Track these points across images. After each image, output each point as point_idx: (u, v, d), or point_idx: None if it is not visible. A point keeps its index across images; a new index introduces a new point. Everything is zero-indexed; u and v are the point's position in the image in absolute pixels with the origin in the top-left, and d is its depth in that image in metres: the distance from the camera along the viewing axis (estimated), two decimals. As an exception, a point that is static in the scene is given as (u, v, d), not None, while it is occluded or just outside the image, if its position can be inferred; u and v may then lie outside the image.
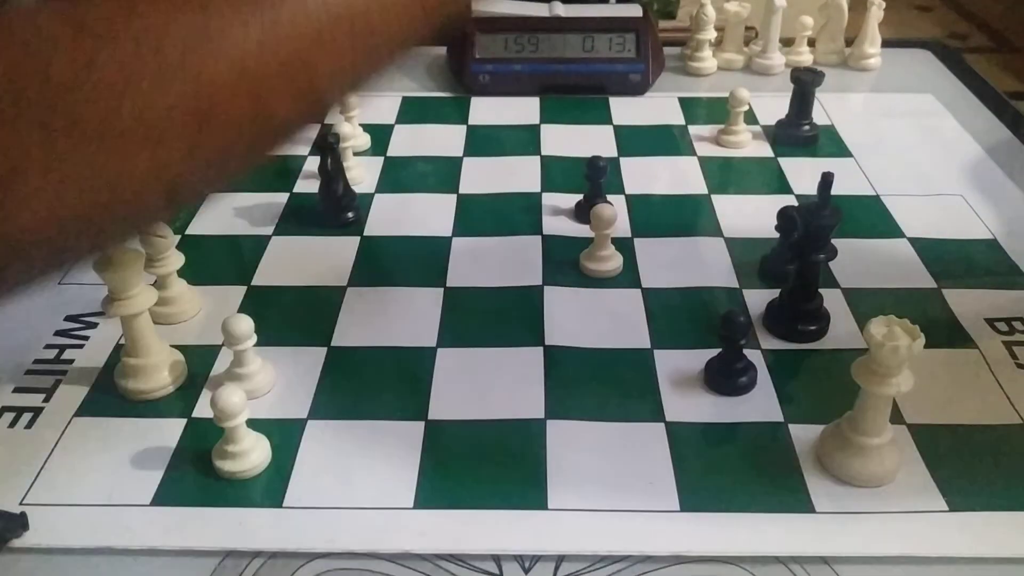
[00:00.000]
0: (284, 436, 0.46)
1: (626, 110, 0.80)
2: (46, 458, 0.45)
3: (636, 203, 0.67)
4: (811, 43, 0.89)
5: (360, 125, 0.74)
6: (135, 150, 0.29)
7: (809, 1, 0.90)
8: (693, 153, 0.74)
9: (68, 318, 0.54)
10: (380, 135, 0.76)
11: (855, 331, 0.53)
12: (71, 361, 0.51)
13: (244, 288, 0.57)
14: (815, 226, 0.51)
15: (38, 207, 0.28)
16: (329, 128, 0.66)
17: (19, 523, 0.40)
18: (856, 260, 0.60)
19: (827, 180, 0.52)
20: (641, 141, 0.75)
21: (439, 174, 0.70)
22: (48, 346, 0.52)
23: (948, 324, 0.54)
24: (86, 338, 0.53)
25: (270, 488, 0.43)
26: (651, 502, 0.42)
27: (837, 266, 0.59)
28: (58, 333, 0.53)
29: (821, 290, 0.54)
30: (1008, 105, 0.83)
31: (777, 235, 0.57)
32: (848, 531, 0.41)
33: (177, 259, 0.54)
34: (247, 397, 0.43)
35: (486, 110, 0.80)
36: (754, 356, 0.51)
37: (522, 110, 0.80)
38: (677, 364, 0.51)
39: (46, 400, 0.48)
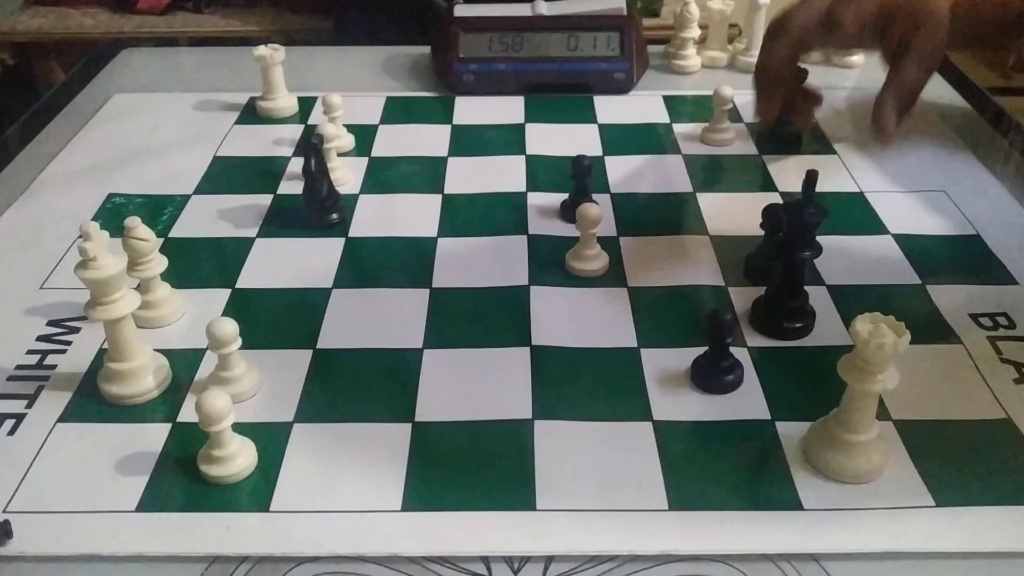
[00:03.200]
0: (270, 440, 0.45)
1: (611, 109, 0.80)
2: (29, 465, 0.44)
3: (621, 202, 0.67)
4: (794, 40, 0.90)
5: (344, 125, 0.73)
6: None
7: (792, -1, 0.91)
8: (678, 151, 0.74)
9: (50, 323, 0.54)
10: (364, 135, 0.75)
11: (841, 328, 0.53)
12: (54, 366, 0.50)
13: (228, 291, 0.57)
14: (800, 223, 0.51)
15: None
16: (313, 129, 0.65)
17: (2, 531, 0.40)
18: (841, 257, 0.60)
19: (811, 178, 0.52)
20: (626, 140, 0.75)
21: (424, 174, 0.70)
22: (30, 351, 0.51)
23: (932, 320, 0.54)
24: (69, 343, 0.52)
25: (256, 492, 0.43)
26: (639, 501, 0.42)
27: (822, 263, 0.59)
28: (40, 338, 0.52)
29: (806, 287, 0.54)
30: (989, 100, 0.83)
31: (762, 233, 0.57)
32: (836, 528, 0.41)
33: (160, 262, 0.53)
34: (232, 401, 0.43)
35: (470, 110, 0.80)
36: (740, 354, 0.51)
37: (506, 109, 0.80)
38: (664, 363, 0.51)
39: (29, 406, 0.48)
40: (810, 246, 0.52)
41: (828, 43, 0.58)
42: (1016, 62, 2.06)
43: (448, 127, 0.77)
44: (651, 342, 0.52)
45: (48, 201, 0.67)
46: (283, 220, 0.64)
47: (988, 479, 0.44)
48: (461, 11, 0.83)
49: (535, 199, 0.67)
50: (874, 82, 0.71)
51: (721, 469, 0.44)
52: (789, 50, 0.54)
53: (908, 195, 0.67)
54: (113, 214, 0.65)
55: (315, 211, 0.63)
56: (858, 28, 0.57)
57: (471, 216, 0.65)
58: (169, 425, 0.47)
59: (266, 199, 0.67)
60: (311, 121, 0.78)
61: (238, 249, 0.61)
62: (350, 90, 0.81)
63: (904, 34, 0.59)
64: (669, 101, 0.82)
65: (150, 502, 0.42)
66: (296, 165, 0.70)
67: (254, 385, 0.48)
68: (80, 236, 0.46)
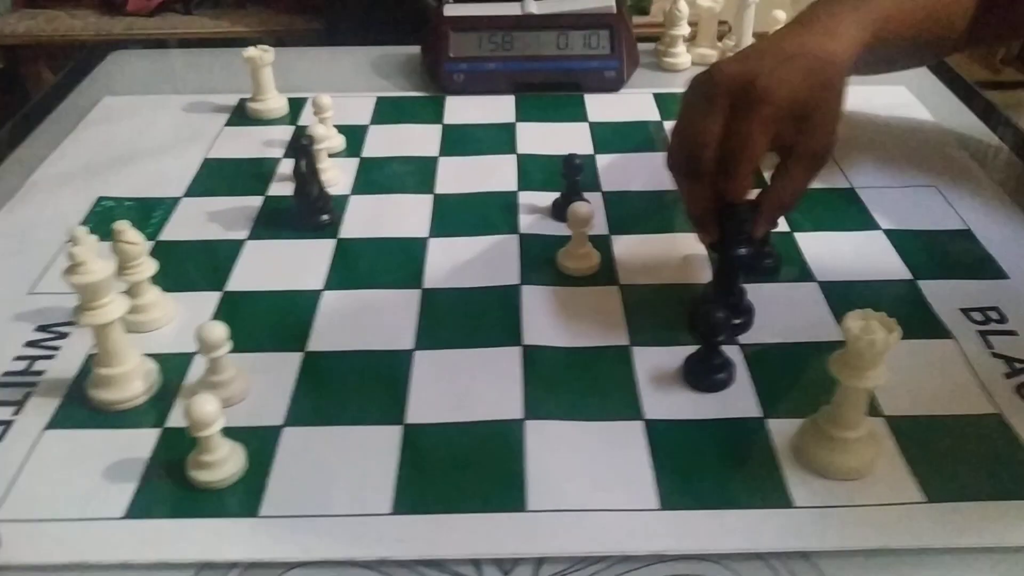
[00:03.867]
0: (260, 444, 0.45)
1: (601, 107, 0.80)
2: (17, 472, 0.44)
3: (613, 200, 0.66)
4: (784, 37, 0.89)
5: (334, 126, 0.73)
6: None
7: (782, -5, 0.91)
8: (669, 149, 0.73)
9: (39, 328, 0.53)
10: (355, 136, 0.75)
11: (832, 324, 0.53)
12: (42, 372, 0.50)
13: (218, 294, 0.57)
14: (735, 221, 0.51)
15: None
16: (303, 130, 0.65)
17: (-10, 539, 0.40)
18: (832, 253, 0.60)
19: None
20: (617, 138, 0.75)
21: (415, 174, 0.70)
22: (18, 357, 0.51)
23: (924, 315, 0.54)
24: (57, 348, 0.52)
25: (246, 498, 0.43)
26: (631, 501, 0.42)
27: (813, 259, 0.59)
28: (28, 344, 0.52)
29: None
30: (979, 95, 0.83)
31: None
32: (827, 525, 0.41)
33: (150, 265, 0.53)
34: (222, 405, 0.42)
35: (461, 109, 0.80)
36: (732, 352, 0.51)
37: (497, 109, 0.80)
38: (655, 361, 0.51)
39: (16, 413, 0.47)
40: (745, 243, 0.51)
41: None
42: (1005, 57, 2.07)
43: (439, 127, 0.77)
44: (643, 341, 0.52)
45: (37, 205, 0.66)
46: (274, 222, 0.64)
47: (979, 474, 0.44)
48: (451, 10, 0.83)
49: (526, 198, 0.67)
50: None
51: (712, 467, 0.44)
52: (711, 190, 0.51)
53: (899, 191, 0.67)
54: (103, 217, 0.64)
55: (306, 212, 0.63)
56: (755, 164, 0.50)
57: (462, 216, 0.65)
58: (158, 430, 0.46)
59: (257, 201, 0.67)
60: (301, 122, 0.78)
61: (228, 251, 0.61)
62: (340, 91, 0.80)
63: (791, 134, 0.51)
64: (660, 99, 0.82)
65: (139, 508, 0.42)
66: (286, 166, 0.70)
67: (243, 389, 0.48)
68: (69, 240, 0.45)
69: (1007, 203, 0.66)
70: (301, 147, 0.62)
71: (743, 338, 0.52)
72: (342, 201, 0.66)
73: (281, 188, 0.68)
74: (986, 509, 0.42)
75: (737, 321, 0.53)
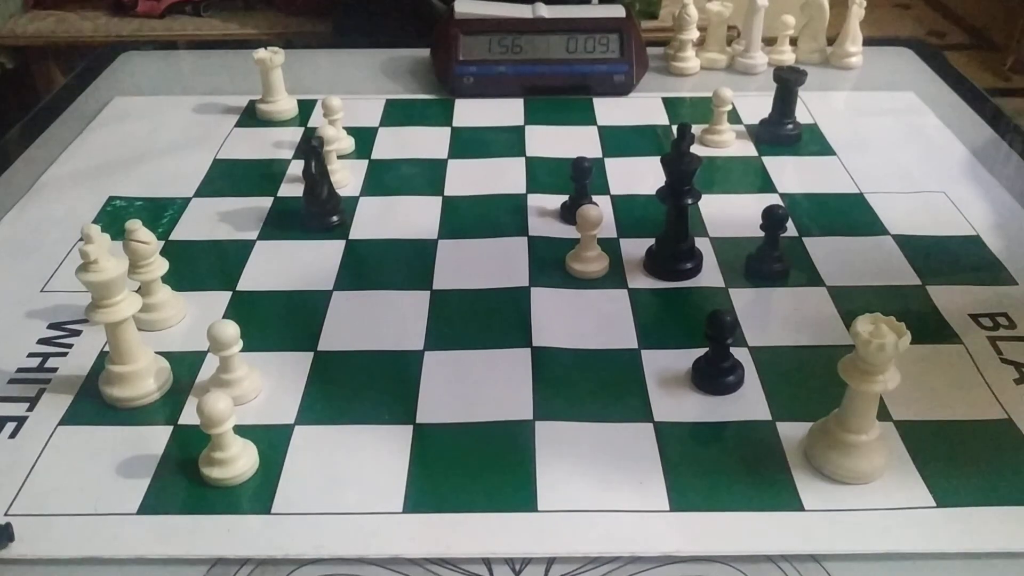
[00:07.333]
0: (272, 442, 0.45)
1: (610, 110, 0.81)
2: (31, 468, 0.44)
3: (621, 203, 0.67)
4: (793, 42, 0.90)
5: (344, 128, 0.73)
6: None
7: (791, 0, 0.91)
8: (677, 153, 0.74)
9: (51, 326, 0.54)
10: (364, 138, 0.75)
11: (841, 329, 0.53)
12: (55, 369, 0.50)
13: (229, 293, 0.57)
14: (680, 172, 0.55)
15: None
16: (313, 132, 0.65)
17: (4, 534, 0.40)
18: (841, 258, 0.60)
19: (683, 130, 0.56)
20: (625, 141, 0.76)
21: (424, 176, 0.70)
22: (31, 354, 0.51)
23: (933, 320, 0.54)
24: (70, 346, 0.52)
25: (258, 495, 0.43)
26: (641, 502, 0.42)
27: (822, 264, 0.59)
28: (41, 341, 0.52)
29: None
30: (988, 101, 0.83)
31: (762, 233, 0.57)
32: (837, 528, 0.41)
33: (161, 265, 0.54)
34: (233, 403, 0.43)
35: (470, 112, 0.80)
36: (741, 355, 0.51)
37: (506, 111, 0.80)
38: (664, 364, 0.51)
39: (30, 409, 0.48)
40: (691, 193, 0.56)
41: None
42: (1014, 64, 2.07)
43: (448, 129, 0.77)
44: (651, 343, 0.52)
45: (49, 204, 0.67)
46: (283, 223, 0.64)
47: (988, 479, 0.44)
48: (461, 13, 0.84)
49: (535, 201, 0.67)
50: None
51: (722, 470, 0.44)
52: None
53: (908, 196, 0.68)
54: (114, 217, 0.65)
55: (315, 214, 0.64)
56: None
57: (471, 218, 0.65)
58: (170, 428, 0.47)
59: (266, 202, 0.67)
60: (311, 124, 0.79)
61: (239, 252, 0.61)
62: (350, 93, 0.81)
63: None
64: (668, 103, 0.82)
65: (152, 505, 0.42)
66: (296, 168, 0.70)
67: (255, 387, 0.48)
68: (81, 239, 0.46)
69: (1016, 209, 0.66)
70: (311, 148, 0.62)
71: (753, 341, 0.53)
72: (352, 202, 0.67)
73: (291, 189, 0.68)
74: (995, 514, 0.42)
75: (689, 265, 0.57)
